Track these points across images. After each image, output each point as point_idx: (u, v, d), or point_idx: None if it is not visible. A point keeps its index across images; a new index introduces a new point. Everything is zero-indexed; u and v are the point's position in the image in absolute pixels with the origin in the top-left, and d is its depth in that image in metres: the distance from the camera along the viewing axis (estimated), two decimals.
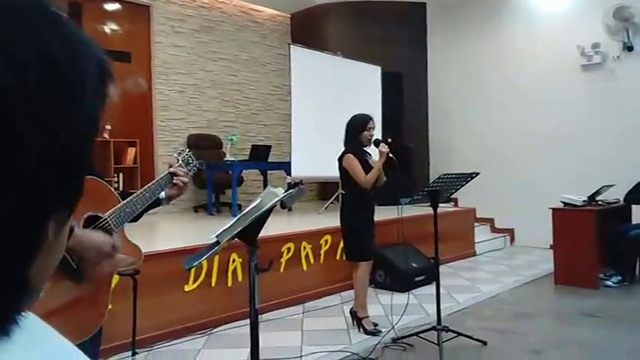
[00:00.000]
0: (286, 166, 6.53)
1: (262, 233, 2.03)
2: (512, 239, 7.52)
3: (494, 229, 7.62)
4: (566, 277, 5.10)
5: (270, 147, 7.04)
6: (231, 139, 7.04)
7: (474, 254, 6.75)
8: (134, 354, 3.07)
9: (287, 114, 7.01)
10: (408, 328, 3.73)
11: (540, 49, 7.19)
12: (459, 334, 3.45)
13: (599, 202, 5.31)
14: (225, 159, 6.89)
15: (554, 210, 5.26)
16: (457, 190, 3.71)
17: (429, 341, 3.35)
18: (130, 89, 6.63)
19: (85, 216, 1.63)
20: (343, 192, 4.00)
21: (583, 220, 5.08)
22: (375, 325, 3.81)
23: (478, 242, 6.90)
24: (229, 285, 4.06)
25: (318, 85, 6.65)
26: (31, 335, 0.35)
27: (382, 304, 4.41)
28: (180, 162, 1.99)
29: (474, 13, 7.85)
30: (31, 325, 0.36)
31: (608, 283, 5.04)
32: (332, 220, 4.85)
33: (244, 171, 7.12)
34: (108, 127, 6.07)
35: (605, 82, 6.74)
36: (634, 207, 5.49)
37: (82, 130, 0.37)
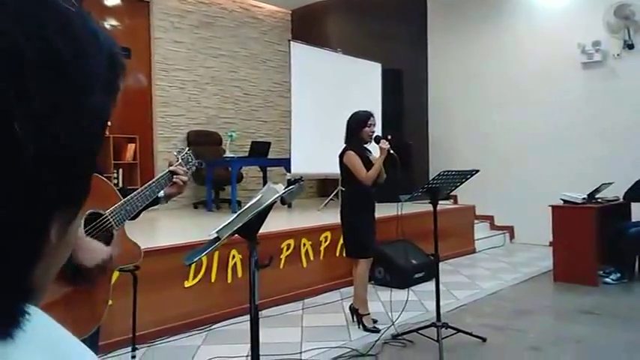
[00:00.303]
0: (286, 163, 6.53)
1: (262, 230, 2.03)
2: (512, 236, 7.53)
3: (493, 227, 7.63)
4: (565, 275, 5.10)
5: (269, 143, 7.04)
6: (231, 136, 7.04)
7: (474, 251, 6.75)
8: (134, 350, 3.07)
9: (287, 110, 7.01)
10: (408, 324, 3.73)
11: (541, 46, 7.17)
12: (459, 330, 3.45)
13: (599, 200, 5.31)
14: (225, 155, 6.88)
15: (554, 207, 5.26)
16: (457, 187, 3.72)
17: (429, 338, 3.36)
18: (129, 85, 6.63)
19: (87, 213, 1.63)
20: (343, 189, 4.01)
21: (582, 217, 5.08)
22: (375, 322, 3.82)
23: (478, 239, 6.91)
24: (229, 281, 4.06)
25: (318, 81, 6.64)
26: (38, 336, 0.35)
27: (382, 301, 4.42)
28: (180, 160, 1.98)
29: (474, 10, 7.84)
30: (41, 326, 0.35)
31: (608, 280, 5.04)
32: (332, 216, 4.86)
33: (244, 167, 7.12)
34: (107, 123, 6.06)
35: (605, 80, 6.74)
36: (633, 205, 5.50)
37: (87, 130, 0.36)
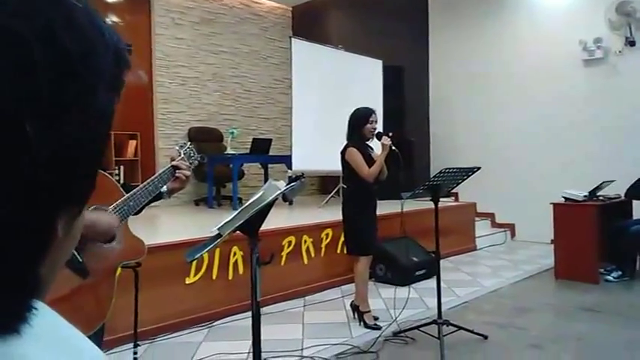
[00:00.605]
0: (287, 160, 6.52)
1: (263, 227, 2.03)
2: (513, 234, 7.52)
3: (494, 224, 7.63)
4: (566, 272, 5.10)
5: (271, 140, 7.03)
6: (232, 133, 7.04)
7: (475, 249, 6.75)
8: (136, 346, 3.07)
9: (288, 107, 7.00)
10: (409, 321, 3.73)
11: (542, 43, 7.16)
12: (460, 328, 3.45)
13: (600, 198, 5.31)
14: (226, 152, 6.88)
15: (555, 205, 5.26)
16: (458, 184, 3.70)
17: (430, 335, 3.36)
18: (130, 82, 6.61)
19: (91, 209, 1.63)
20: (345, 186, 4.00)
21: (584, 215, 5.08)
22: (376, 319, 3.82)
23: (479, 237, 6.91)
24: (230, 278, 4.06)
25: (319, 78, 6.62)
26: (48, 333, 0.35)
27: (383, 298, 4.42)
28: (182, 155, 1.98)
29: (475, 7, 7.82)
30: (50, 323, 0.36)
31: (609, 278, 5.04)
32: (333, 213, 4.85)
33: (245, 164, 7.11)
34: (112, 120, 6.07)
35: (607, 77, 6.72)
36: (635, 202, 5.49)
37: (94, 128, 0.36)
